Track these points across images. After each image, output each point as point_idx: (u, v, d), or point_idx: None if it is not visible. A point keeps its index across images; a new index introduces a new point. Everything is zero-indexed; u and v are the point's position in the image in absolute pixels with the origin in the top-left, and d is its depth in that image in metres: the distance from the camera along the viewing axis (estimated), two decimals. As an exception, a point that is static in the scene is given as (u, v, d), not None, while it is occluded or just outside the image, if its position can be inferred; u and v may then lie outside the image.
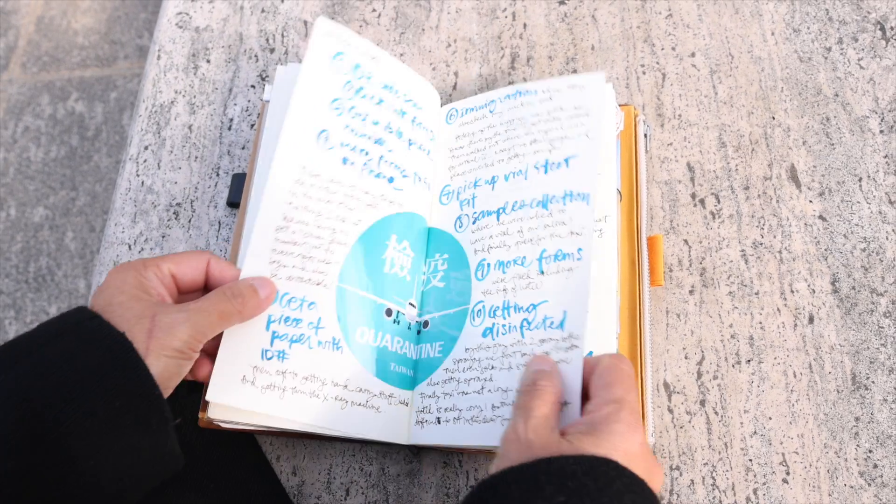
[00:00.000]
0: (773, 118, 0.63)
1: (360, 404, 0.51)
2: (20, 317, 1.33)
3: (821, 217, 0.59)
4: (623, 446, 0.38)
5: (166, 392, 0.44)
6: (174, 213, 0.66)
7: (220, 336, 0.49)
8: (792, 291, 0.57)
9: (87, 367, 0.40)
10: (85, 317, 0.43)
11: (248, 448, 0.56)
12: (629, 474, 0.37)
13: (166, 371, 0.43)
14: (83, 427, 0.39)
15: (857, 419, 0.53)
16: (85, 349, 0.41)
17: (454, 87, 0.68)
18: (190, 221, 0.66)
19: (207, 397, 0.48)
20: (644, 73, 0.66)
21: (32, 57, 1.59)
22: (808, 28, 0.66)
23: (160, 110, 0.71)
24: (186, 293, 0.50)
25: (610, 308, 0.52)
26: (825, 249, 0.58)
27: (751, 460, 0.53)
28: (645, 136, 0.59)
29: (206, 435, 0.53)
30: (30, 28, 1.62)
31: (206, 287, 0.51)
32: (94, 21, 1.62)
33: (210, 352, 0.49)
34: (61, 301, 1.28)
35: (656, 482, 0.39)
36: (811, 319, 0.56)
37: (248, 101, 0.70)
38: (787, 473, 0.52)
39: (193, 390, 0.53)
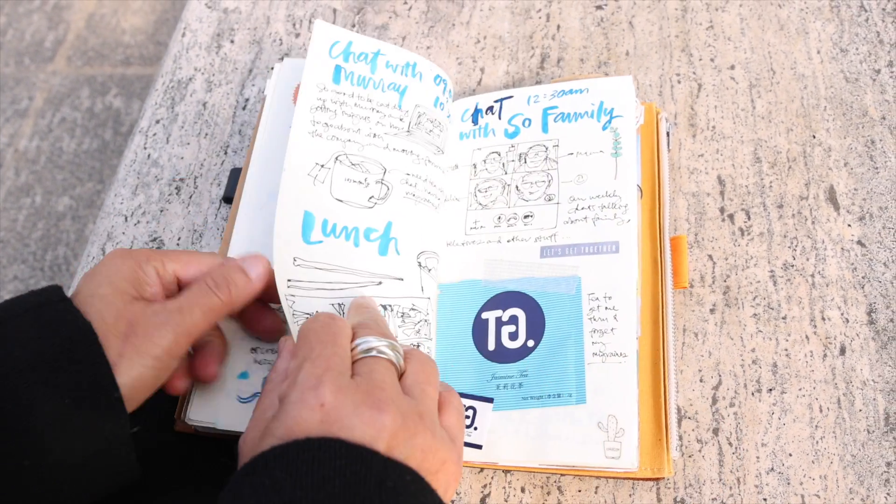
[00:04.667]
0: (814, 137, 0.59)
1: None
2: (31, 302, 1.32)
3: (859, 242, 0.54)
4: (299, 417, 0.32)
5: (132, 404, 0.38)
6: (176, 188, 0.64)
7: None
8: (823, 319, 0.52)
9: (40, 355, 0.36)
10: (52, 298, 0.38)
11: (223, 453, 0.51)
12: (343, 450, 0.31)
13: (139, 381, 0.38)
14: (23, 422, 0.34)
15: (888, 464, 0.47)
16: (43, 333, 0.36)
17: (479, 83, 0.66)
18: (191, 198, 0.63)
19: (189, 418, 0.47)
20: (679, 82, 0.63)
21: (78, 51, 1.61)
22: (857, 49, 0.62)
23: (177, 86, 0.70)
24: None
25: (629, 306, 0.47)
26: (862, 277, 0.53)
27: (765, 499, 0.47)
28: (667, 134, 0.55)
29: (179, 436, 0.49)
30: (80, 24, 1.65)
31: None
32: (143, 22, 1.64)
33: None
34: (72, 291, 1.29)
35: (377, 426, 0.33)
36: (843, 351, 0.51)
37: (267, 83, 0.68)
38: (806, 518, 0.46)
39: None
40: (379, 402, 0.34)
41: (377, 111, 0.54)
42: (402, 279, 0.50)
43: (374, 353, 0.37)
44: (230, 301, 0.42)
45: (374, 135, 0.54)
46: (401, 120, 0.55)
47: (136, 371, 0.38)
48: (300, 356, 0.36)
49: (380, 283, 0.49)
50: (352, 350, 0.38)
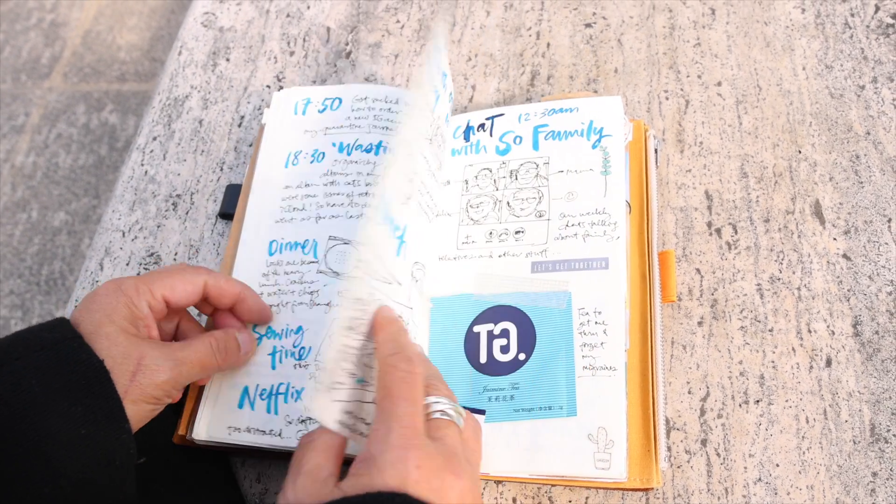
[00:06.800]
0: (800, 152, 0.60)
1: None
2: (27, 318, 1.32)
3: (845, 256, 0.55)
4: (397, 476, 0.35)
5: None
6: (172, 203, 0.65)
7: None
8: (809, 331, 0.53)
9: (58, 390, 0.39)
10: (66, 335, 0.41)
11: (215, 463, 0.53)
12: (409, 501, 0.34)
13: (138, 416, 0.42)
14: (43, 450, 0.38)
15: (874, 474, 0.48)
16: (60, 370, 0.40)
17: (470, 100, 0.67)
18: (187, 213, 0.64)
19: (194, 436, 0.48)
20: (667, 98, 0.64)
21: (75, 68, 1.62)
22: (842, 65, 0.64)
23: (174, 103, 0.71)
24: (177, 310, 0.49)
25: (618, 321, 0.48)
26: (848, 290, 0.54)
27: (753, 510, 0.48)
28: (655, 150, 0.56)
29: (177, 449, 0.52)
30: (76, 41, 1.67)
31: (206, 300, 0.50)
32: (139, 38, 1.65)
33: None
34: (69, 306, 1.30)
35: (456, 490, 0.36)
36: (829, 362, 0.52)
37: (262, 100, 0.69)
38: (794, 528, 0.47)
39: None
40: (457, 468, 0.37)
41: (425, 107, 0.52)
42: (401, 284, 0.50)
43: (445, 417, 0.40)
44: (223, 364, 0.48)
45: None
46: (429, 126, 0.53)
47: (137, 409, 0.42)
48: (386, 412, 0.38)
49: (390, 283, 0.48)
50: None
